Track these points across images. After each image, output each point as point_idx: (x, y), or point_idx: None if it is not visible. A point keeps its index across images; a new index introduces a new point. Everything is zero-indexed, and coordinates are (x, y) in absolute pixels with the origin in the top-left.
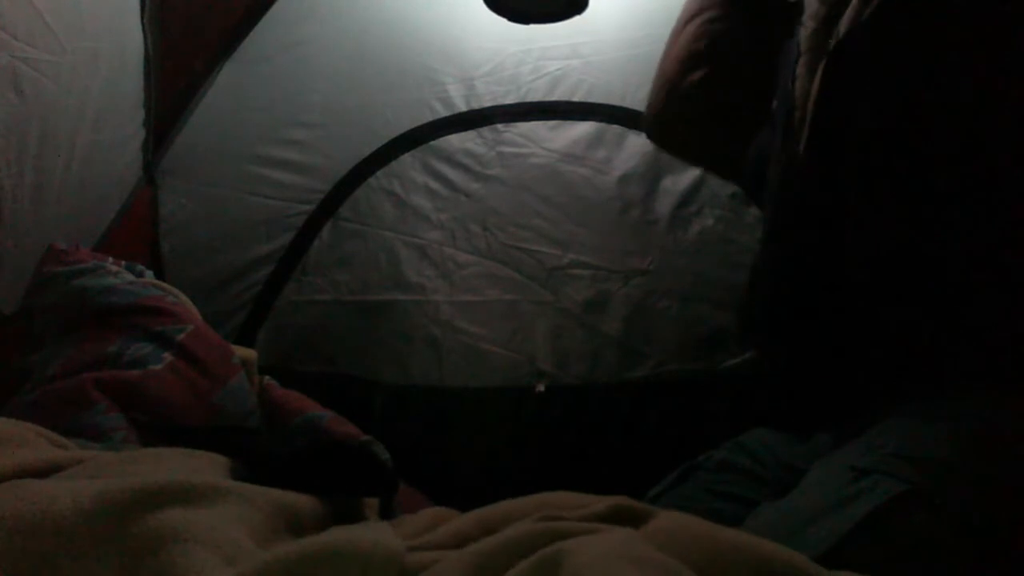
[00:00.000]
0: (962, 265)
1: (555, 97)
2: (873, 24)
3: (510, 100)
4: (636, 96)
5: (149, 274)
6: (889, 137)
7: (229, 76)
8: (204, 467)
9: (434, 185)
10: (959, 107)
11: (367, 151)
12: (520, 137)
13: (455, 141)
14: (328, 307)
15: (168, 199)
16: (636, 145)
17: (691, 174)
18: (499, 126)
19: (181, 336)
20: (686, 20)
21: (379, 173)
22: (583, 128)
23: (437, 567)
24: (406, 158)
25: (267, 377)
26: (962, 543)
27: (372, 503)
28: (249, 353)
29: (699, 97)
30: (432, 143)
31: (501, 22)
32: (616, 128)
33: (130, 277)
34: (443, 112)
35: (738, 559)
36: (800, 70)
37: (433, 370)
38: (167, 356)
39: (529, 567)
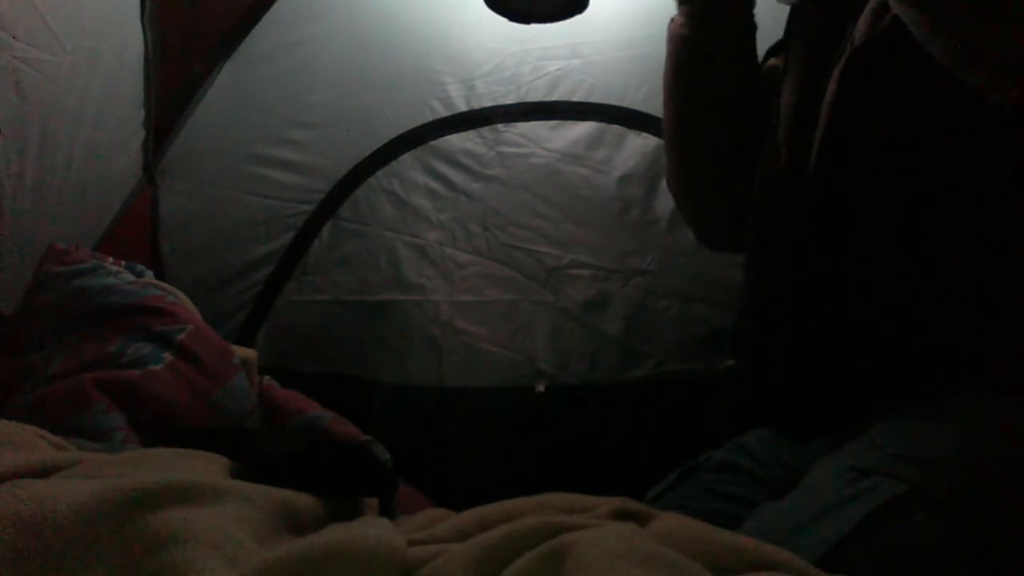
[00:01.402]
0: (962, 266)
1: (555, 97)
2: (890, 32)
3: (510, 100)
4: (636, 96)
5: (149, 274)
6: (898, 143)
7: (229, 76)
8: (204, 467)
9: (434, 185)
10: (970, 111)
11: (367, 151)
12: (520, 137)
13: (455, 141)
14: (328, 307)
15: (168, 199)
16: (636, 145)
17: None
18: (499, 126)
19: (181, 336)
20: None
21: (379, 173)
22: (583, 128)
23: (440, 560)
24: (406, 158)
25: (267, 377)
26: (962, 543)
27: (372, 503)
28: (249, 353)
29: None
30: (432, 143)
31: (501, 22)
32: (616, 128)
33: (130, 277)
34: (443, 112)
35: (737, 561)
36: (787, 85)
37: (433, 370)
38: (167, 356)
39: (532, 559)
